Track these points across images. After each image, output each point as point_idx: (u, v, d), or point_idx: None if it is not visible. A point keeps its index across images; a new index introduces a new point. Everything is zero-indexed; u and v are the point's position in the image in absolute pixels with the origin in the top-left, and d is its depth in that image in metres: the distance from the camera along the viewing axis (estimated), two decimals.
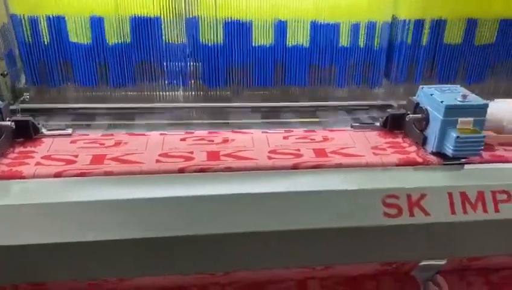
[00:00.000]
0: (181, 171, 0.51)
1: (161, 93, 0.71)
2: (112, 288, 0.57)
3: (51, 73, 0.67)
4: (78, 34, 0.65)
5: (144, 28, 0.65)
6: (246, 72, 0.70)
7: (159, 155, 0.53)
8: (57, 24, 0.64)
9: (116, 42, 0.65)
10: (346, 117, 0.71)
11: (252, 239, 0.47)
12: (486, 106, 0.52)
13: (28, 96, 0.68)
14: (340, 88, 0.73)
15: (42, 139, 0.56)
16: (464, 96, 0.52)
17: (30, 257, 0.45)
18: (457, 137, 0.51)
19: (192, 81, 0.70)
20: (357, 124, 0.62)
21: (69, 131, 0.58)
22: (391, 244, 0.49)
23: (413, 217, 0.48)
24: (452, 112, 0.51)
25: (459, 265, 0.62)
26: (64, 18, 0.64)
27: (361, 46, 0.70)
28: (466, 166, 0.53)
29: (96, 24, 0.64)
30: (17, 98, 0.68)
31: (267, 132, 0.60)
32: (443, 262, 0.63)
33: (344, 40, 0.70)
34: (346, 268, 0.60)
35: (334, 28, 0.68)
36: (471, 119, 0.52)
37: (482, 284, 0.62)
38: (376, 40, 0.70)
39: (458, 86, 0.56)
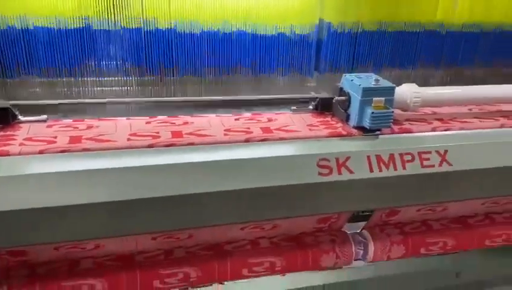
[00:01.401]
0: (150, 146, 0.60)
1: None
2: (88, 256, 0.65)
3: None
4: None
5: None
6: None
7: (129, 135, 0.62)
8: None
9: None
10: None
11: (212, 198, 0.57)
12: (394, 88, 0.66)
13: None
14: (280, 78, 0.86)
15: (19, 124, 0.63)
16: (377, 81, 0.66)
17: (19, 221, 0.52)
18: (372, 113, 0.64)
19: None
20: (295, 108, 0.74)
21: (44, 117, 0.64)
22: (325, 198, 0.61)
23: (341, 175, 0.61)
24: (368, 93, 0.65)
25: (380, 221, 0.76)
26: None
27: (296, 43, 0.83)
28: (380, 136, 0.67)
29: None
30: None
31: (220, 116, 0.71)
32: (366, 221, 0.78)
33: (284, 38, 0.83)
34: (290, 227, 0.72)
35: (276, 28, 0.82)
36: (383, 98, 0.65)
37: (397, 234, 0.76)
38: (307, 38, 0.83)
39: (372, 74, 0.70)
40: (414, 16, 0.88)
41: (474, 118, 0.76)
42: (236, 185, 0.57)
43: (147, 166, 0.55)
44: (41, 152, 0.56)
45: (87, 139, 0.60)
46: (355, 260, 0.74)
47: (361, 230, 0.77)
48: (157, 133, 0.63)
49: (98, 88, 0.77)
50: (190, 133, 0.63)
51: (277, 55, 0.84)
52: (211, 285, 0.70)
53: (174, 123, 0.67)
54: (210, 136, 0.63)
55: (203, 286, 0.70)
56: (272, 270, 0.70)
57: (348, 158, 0.62)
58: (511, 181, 0.69)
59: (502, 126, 0.74)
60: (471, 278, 0.90)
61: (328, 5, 0.82)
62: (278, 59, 0.84)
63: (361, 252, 0.74)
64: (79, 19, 0.72)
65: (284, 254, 0.70)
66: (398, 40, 0.88)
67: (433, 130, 0.71)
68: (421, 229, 0.79)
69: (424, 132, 0.70)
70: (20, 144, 0.57)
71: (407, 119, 0.73)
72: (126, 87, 0.79)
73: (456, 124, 0.73)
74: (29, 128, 0.62)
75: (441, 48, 0.91)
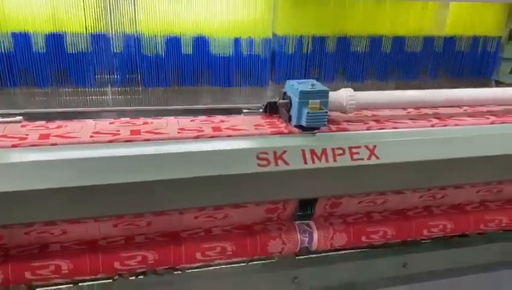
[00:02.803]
0: (110, 142, 0.69)
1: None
2: (56, 241, 0.73)
3: None
4: None
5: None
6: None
7: (92, 133, 0.71)
8: None
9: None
10: None
11: (163, 185, 0.65)
12: (327, 91, 0.75)
13: None
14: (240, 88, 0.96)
15: None
16: (313, 85, 0.75)
17: None
18: (308, 113, 0.73)
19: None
20: (247, 111, 0.83)
21: (19, 118, 0.73)
22: (264, 187, 0.70)
23: (278, 166, 0.69)
24: (304, 95, 0.73)
25: (324, 212, 0.84)
26: None
27: (252, 56, 0.93)
28: (317, 134, 0.75)
29: None
30: None
31: (178, 118, 0.80)
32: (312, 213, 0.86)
33: (241, 51, 0.93)
34: (240, 218, 0.80)
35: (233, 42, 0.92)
36: (318, 100, 0.74)
37: (340, 223, 0.84)
38: (262, 51, 0.93)
39: (311, 80, 0.79)
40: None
41: (409, 119, 0.85)
42: (185, 174, 0.66)
43: (106, 157, 0.64)
44: (14, 146, 0.65)
45: (55, 136, 0.69)
46: (301, 247, 0.82)
47: (308, 221, 0.85)
48: (118, 131, 0.72)
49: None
50: (147, 132, 0.72)
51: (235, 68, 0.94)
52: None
53: (134, 123, 0.75)
54: (165, 133, 0.72)
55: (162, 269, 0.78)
56: (223, 255, 0.78)
57: (284, 151, 0.70)
58: (434, 173, 0.78)
59: (432, 126, 0.83)
60: (419, 268, 0.97)
61: (280, 20, 0.93)
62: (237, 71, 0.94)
63: (307, 239, 0.82)
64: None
65: (234, 239, 0.78)
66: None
67: (368, 129, 0.80)
68: (363, 219, 0.87)
69: (359, 130, 0.79)
70: None
71: (346, 120, 0.82)
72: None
73: (390, 124, 0.82)
74: (4, 128, 0.71)
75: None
